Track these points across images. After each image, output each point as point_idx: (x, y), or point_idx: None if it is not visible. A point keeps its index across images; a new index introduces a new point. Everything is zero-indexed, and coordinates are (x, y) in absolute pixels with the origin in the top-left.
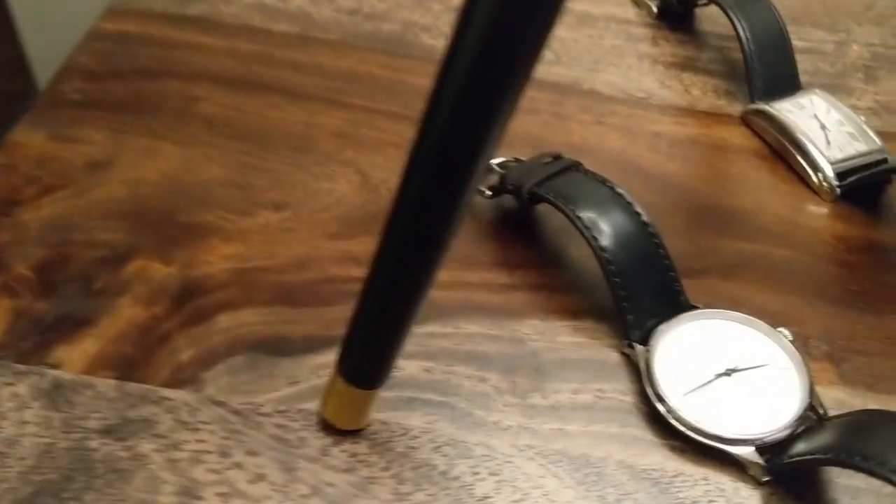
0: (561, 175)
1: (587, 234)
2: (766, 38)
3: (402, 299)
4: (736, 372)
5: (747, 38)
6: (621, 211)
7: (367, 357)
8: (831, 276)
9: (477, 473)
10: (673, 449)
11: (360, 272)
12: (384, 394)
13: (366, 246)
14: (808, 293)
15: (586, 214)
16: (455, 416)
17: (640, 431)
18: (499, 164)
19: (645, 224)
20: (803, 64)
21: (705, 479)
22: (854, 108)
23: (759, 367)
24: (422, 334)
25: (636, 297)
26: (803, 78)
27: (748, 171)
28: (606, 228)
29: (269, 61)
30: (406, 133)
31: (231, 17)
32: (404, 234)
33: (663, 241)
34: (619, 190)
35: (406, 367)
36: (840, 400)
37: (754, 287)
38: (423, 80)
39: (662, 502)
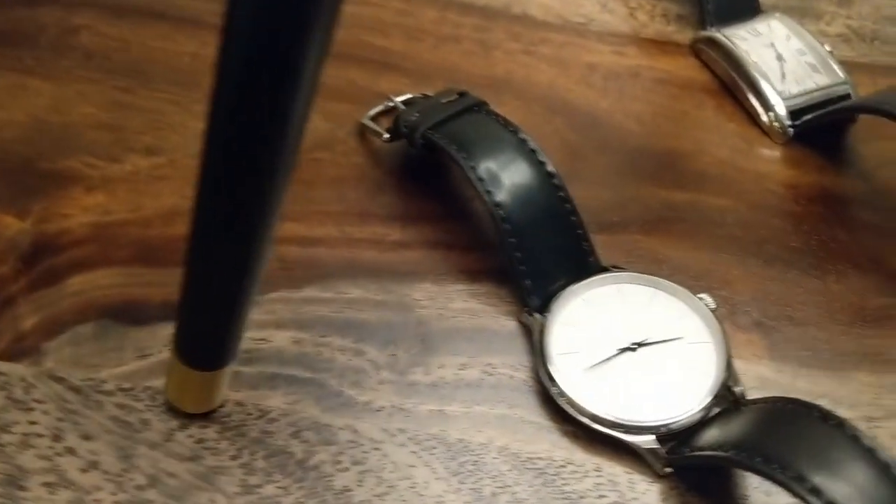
0: (460, 117)
1: (480, 188)
2: None
3: (227, 270)
4: (643, 346)
5: None
6: (523, 161)
7: (202, 337)
8: (772, 231)
9: (339, 462)
10: (564, 434)
11: None
12: (244, 369)
13: None
14: (743, 250)
15: (482, 164)
16: (322, 396)
17: (530, 413)
18: (404, 102)
19: (550, 175)
20: None
21: (597, 469)
22: (822, 34)
23: (670, 340)
24: (297, 299)
25: (535, 258)
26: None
27: (691, 108)
28: (504, 181)
29: None
30: None
31: None
32: (215, 192)
33: (571, 193)
34: (524, 136)
35: (273, 337)
36: (765, 378)
37: (680, 243)
38: None
39: (545, 497)
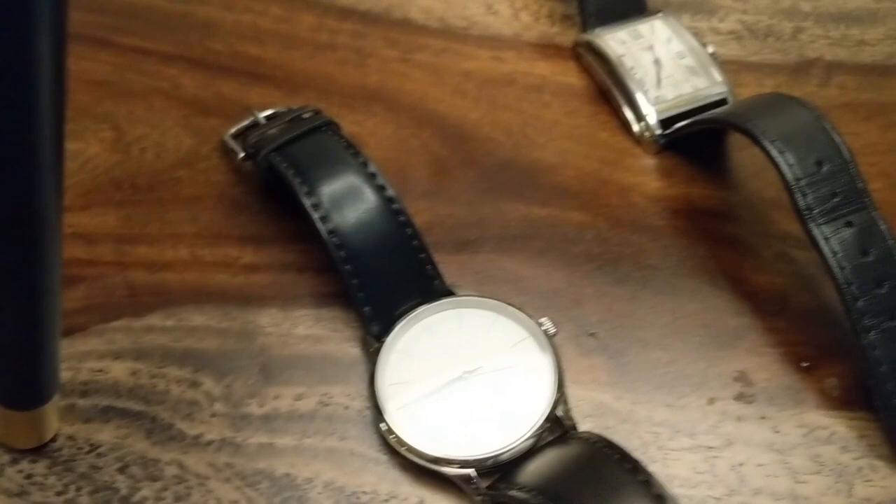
0: (306, 138)
1: (313, 215)
2: None
3: (11, 318)
4: (475, 375)
5: None
6: (363, 186)
7: (11, 379)
8: (630, 248)
9: (162, 499)
10: (392, 467)
11: (87, 252)
12: (79, 402)
13: (102, 219)
14: (598, 269)
15: (320, 189)
16: (153, 430)
17: (360, 445)
18: (267, 117)
19: (389, 200)
20: None
21: (421, 503)
22: (714, 31)
23: (503, 369)
24: (139, 328)
25: (375, 285)
26: None
27: (563, 117)
28: (342, 207)
29: None
30: (178, 78)
31: None
32: None
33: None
34: (364, 159)
35: (111, 369)
36: (604, 406)
37: (535, 262)
38: (212, 11)
39: None
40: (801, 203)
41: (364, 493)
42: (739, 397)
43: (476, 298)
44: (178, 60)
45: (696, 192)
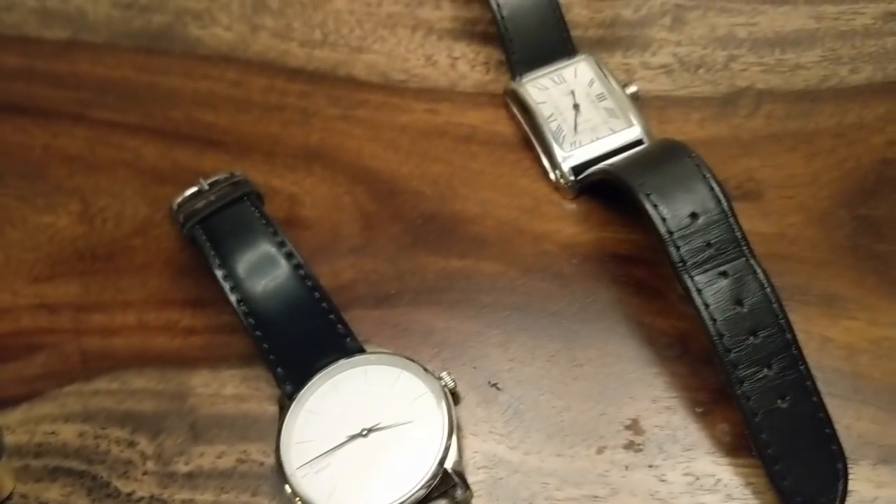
0: (226, 209)
1: (224, 286)
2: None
3: None
4: (374, 431)
5: (497, 3)
6: (272, 255)
7: None
8: (537, 296)
9: None
10: None
11: (49, 321)
12: (33, 462)
13: (65, 289)
14: (503, 318)
15: (232, 261)
16: (93, 488)
17: (268, 501)
18: (211, 183)
19: (297, 267)
20: (601, 13)
21: None
22: (645, 66)
23: (401, 424)
24: (88, 392)
25: (285, 347)
26: (597, 32)
27: (489, 166)
28: (252, 277)
29: (29, 77)
30: (140, 149)
31: (9, 28)
32: None
33: (319, 282)
34: (275, 229)
35: (61, 431)
36: (497, 457)
37: (447, 313)
38: (175, 80)
39: None
40: (674, 255)
41: None
42: (629, 446)
43: (383, 355)
44: (141, 131)
45: (609, 236)
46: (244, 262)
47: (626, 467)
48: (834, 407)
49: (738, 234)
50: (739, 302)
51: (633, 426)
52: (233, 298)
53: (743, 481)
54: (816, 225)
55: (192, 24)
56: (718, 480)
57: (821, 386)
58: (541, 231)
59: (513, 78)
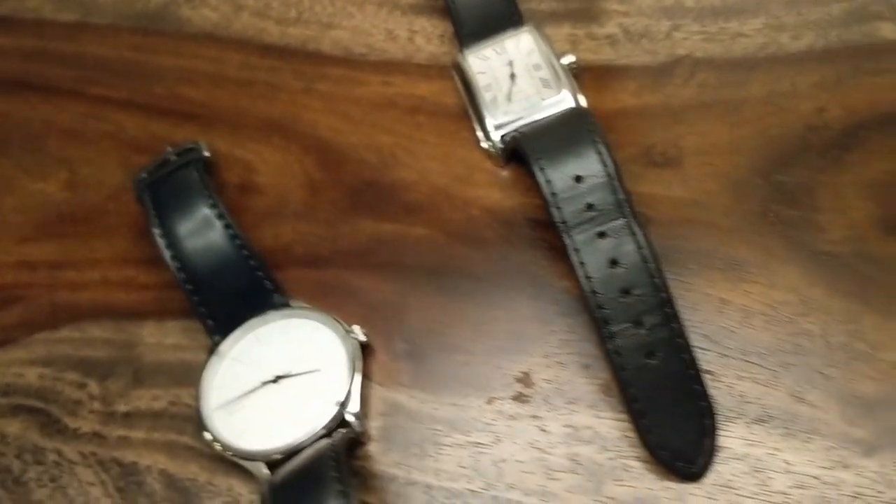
0: (173, 174)
1: (160, 244)
2: None
3: None
4: (285, 378)
5: None
6: (205, 219)
7: None
8: (459, 259)
9: (41, 479)
10: (213, 459)
11: (29, 277)
12: (1, 400)
13: (45, 248)
14: (425, 280)
15: (170, 222)
16: (47, 423)
17: (192, 440)
18: (176, 153)
19: (228, 227)
20: None
21: (229, 489)
22: (591, 37)
23: (309, 372)
24: (53, 339)
25: (214, 301)
26: (550, 4)
27: (431, 136)
28: (187, 235)
29: (42, 57)
30: (124, 122)
31: (29, 12)
32: None
33: (248, 241)
34: (209, 193)
35: (26, 373)
36: (398, 405)
37: (372, 275)
38: (163, 58)
39: None
40: (557, 216)
41: (189, 479)
42: (517, 398)
43: (303, 310)
44: (129, 105)
45: (530, 202)
46: (179, 223)
47: (512, 417)
48: (720, 366)
49: (621, 197)
50: (615, 262)
51: (524, 379)
52: (167, 255)
53: (619, 434)
54: (731, 192)
55: (184, 6)
56: (596, 433)
57: (708, 345)
58: (469, 197)
59: (460, 50)
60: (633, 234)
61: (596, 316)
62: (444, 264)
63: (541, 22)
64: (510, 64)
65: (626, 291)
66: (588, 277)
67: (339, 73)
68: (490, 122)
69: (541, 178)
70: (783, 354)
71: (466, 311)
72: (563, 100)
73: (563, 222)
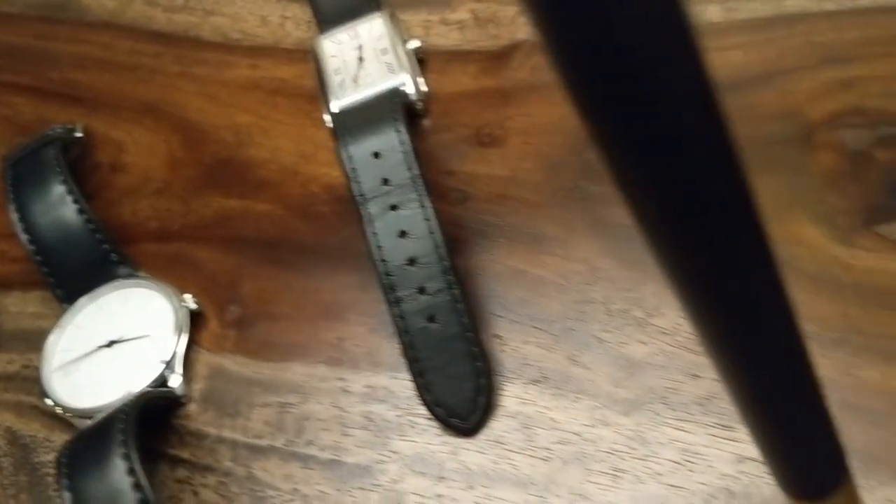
0: (37, 152)
1: (13, 219)
2: None
3: None
4: (118, 343)
5: None
6: (57, 194)
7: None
8: (286, 233)
9: None
10: (52, 417)
11: None
12: None
13: None
14: (261, 253)
15: (22, 198)
16: None
17: (37, 400)
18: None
19: (76, 202)
20: None
21: (63, 445)
22: (443, 23)
23: (140, 337)
24: None
25: (62, 272)
26: None
27: (287, 116)
28: (39, 210)
29: None
30: (20, 106)
31: None
32: None
33: (94, 216)
34: (61, 171)
35: None
36: (220, 368)
37: (215, 248)
38: (62, 45)
39: (25, 466)
40: (355, 189)
41: (30, 435)
42: (329, 361)
43: (143, 280)
44: (27, 90)
45: None
46: (32, 200)
47: (321, 379)
48: (509, 331)
49: (415, 173)
50: (405, 233)
51: (337, 345)
52: (19, 229)
53: (410, 394)
54: (545, 169)
55: None
56: (390, 392)
57: (503, 312)
58: (312, 174)
59: (320, 34)
60: (423, 206)
61: (383, 282)
62: (281, 238)
63: (399, 8)
64: (359, 48)
65: (412, 260)
66: (378, 247)
67: (214, 58)
68: (334, 105)
69: (342, 154)
70: (567, 321)
71: (294, 281)
72: (404, 83)
73: (361, 195)
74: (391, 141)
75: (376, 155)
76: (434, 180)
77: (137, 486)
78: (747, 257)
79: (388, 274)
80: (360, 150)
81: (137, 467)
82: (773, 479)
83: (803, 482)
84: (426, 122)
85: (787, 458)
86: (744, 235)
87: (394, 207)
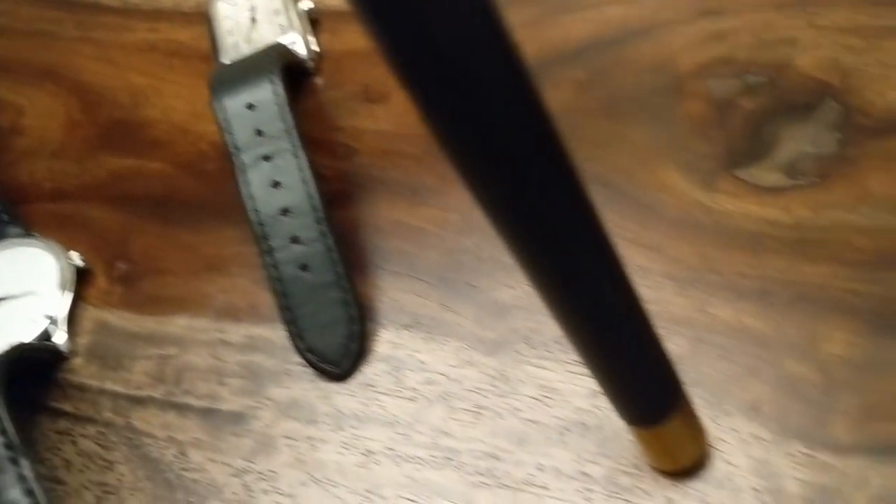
0: None
1: None
2: None
3: None
4: (5, 300)
5: None
6: None
7: None
8: (175, 191)
9: None
10: None
11: None
12: None
13: None
14: (148, 211)
15: None
16: None
17: None
18: None
19: None
20: None
21: None
22: None
23: (27, 294)
24: None
25: None
26: None
27: (183, 77)
28: None
29: None
30: None
31: None
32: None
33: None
34: None
35: None
36: (106, 323)
37: (107, 207)
38: None
39: None
40: (229, 140)
41: None
42: (211, 315)
43: (33, 239)
44: None
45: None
46: None
47: (202, 331)
48: (389, 281)
49: (288, 125)
50: (277, 184)
51: (221, 297)
52: None
53: (288, 344)
54: None
55: None
56: (268, 341)
57: (383, 264)
58: (202, 132)
59: None
60: (297, 157)
61: (256, 232)
62: (169, 195)
63: None
64: (252, 9)
65: (285, 210)
66: (251, 196)
67: (114, 23)
68: (218, 62)
69: (216, 106)
70: (443, 269)
71: (181, 237)
72: (295, 43)
73: (235, 147)
74: (265, 93)
75: (250, 106)
76: (322, 136)
77: (2, 431)
78: (554, 183)
79: (260, 224)
80: (234, 101)
81: (3, 413)
82: (613, 408)
83: (637, 409)
84: (318, 80)
85: (618, 386)
86: (541, 157)
87: (267, 158)
